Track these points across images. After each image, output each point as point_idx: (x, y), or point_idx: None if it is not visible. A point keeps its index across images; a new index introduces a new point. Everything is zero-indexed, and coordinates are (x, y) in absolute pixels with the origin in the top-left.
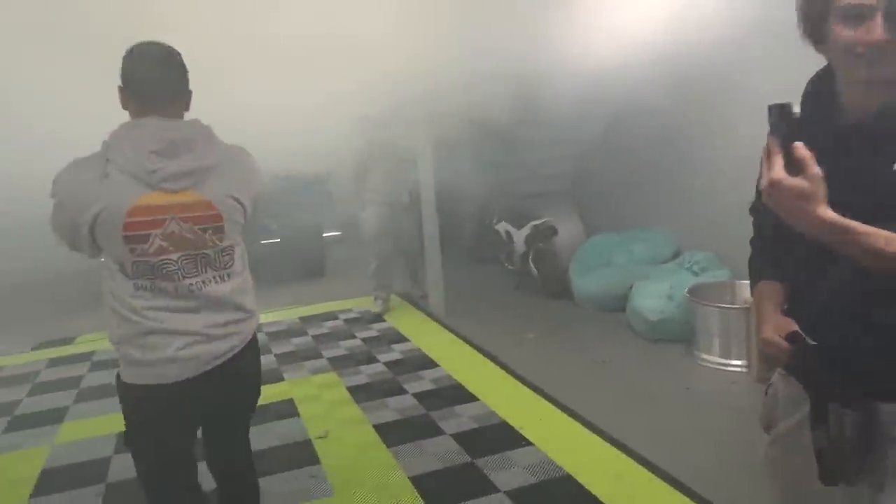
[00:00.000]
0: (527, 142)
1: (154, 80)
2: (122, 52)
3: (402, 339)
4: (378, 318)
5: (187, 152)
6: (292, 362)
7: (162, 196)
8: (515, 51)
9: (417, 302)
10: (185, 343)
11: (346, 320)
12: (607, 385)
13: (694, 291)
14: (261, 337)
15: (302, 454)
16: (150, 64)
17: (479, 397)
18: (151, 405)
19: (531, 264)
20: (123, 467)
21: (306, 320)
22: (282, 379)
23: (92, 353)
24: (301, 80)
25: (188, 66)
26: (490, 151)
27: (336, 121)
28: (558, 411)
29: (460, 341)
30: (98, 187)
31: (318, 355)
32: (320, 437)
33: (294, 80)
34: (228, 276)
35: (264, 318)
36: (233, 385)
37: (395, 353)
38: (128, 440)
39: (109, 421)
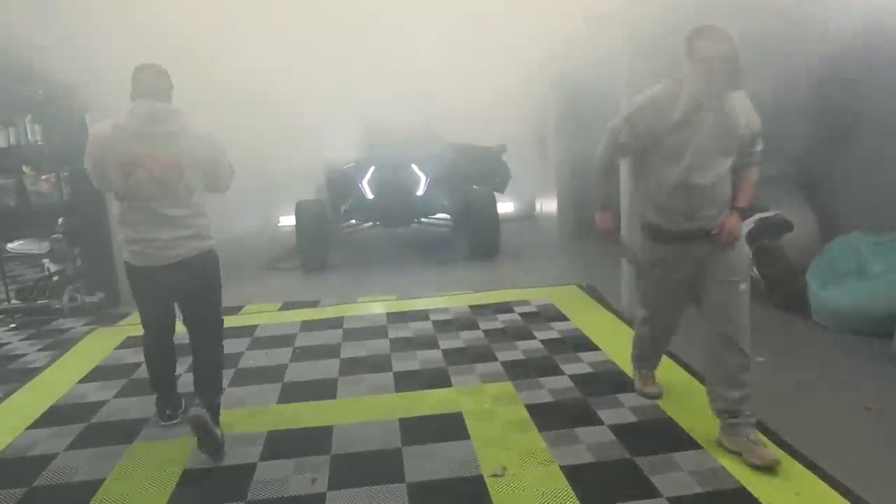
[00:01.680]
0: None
1: (144, 79)
2: None
3: (590, 345)
4: (560, 316)
5: (163, 121)
6: (461, 363)
7: (147, 147)
8: None
9: (604, 298)
10: (148, 246)
11: (522, 315)
12: (881, 443)
13: None
14: (426, 326)
15: (473, 496)
16: (144, 73)
17: (702, 443)
18: (132, 276)
19: (752, 265)
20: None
21: (477, 311)
22: (449, 384)
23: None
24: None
25: None
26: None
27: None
28: (819, 481)
29: (665, 358)
30: (109, 141)
31: (491, 356)
32: (495, 476)
33: (485, 49)
34: (186, 205)
35: (430, 302)
36: (182, 278)
37: (584, 364)
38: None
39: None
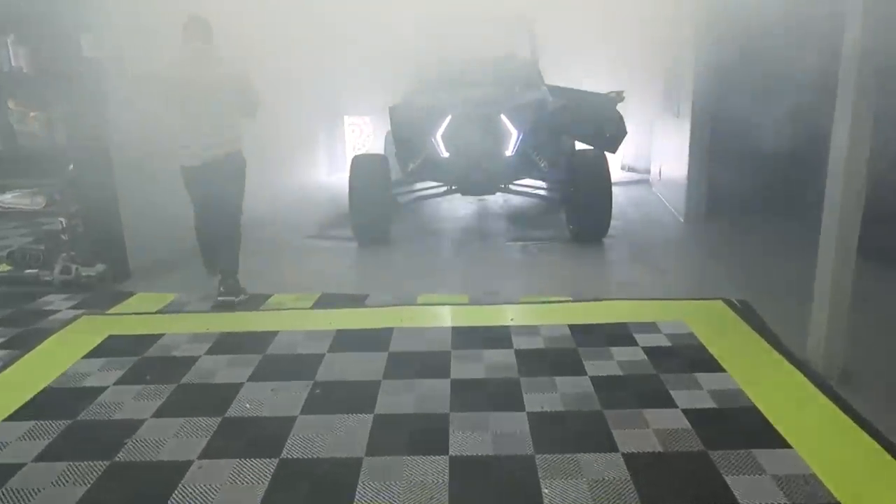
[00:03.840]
0: None
1: (191, 29)
2: None
3: (773, 437)
4: (709, 361)
5: (203, 59)
6: (559, 448)
7: (193, 74)
8: None
9: (771, 332)
10: (191, 147)
11: (648, 351)
12: None
13: None
14: (506, 358)
15: None
16: (192, 23)
17: None
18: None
19: None
20: None
21: (581, 335)
22: (538, 501)
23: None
24: None
25: None
26: None
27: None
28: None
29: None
30: (168, 74)
31: (607, 441)
32: None
33: None
34: (219, 120)
35: (515, 313)
36: (210, 176)
37: (770, 483)
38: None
39: None
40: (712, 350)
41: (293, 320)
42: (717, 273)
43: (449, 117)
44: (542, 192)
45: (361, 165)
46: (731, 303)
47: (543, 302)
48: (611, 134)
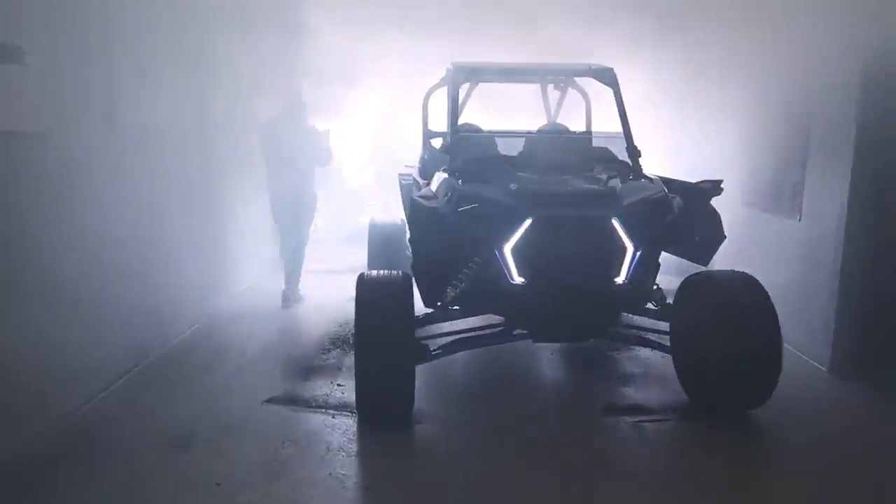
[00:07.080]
0: None
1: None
2: None
3: None
4: None
5: (290, 120)
6: None
7: (286, 134)
8: None
9: None
10: (278, 186)
11: None
12: None
13: None
14: None
15: None
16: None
17: None
18: (273, 202)
19: None
20: None
21: None
22: None
23: None
24: None
25: None
26: None
27: None
28: None
29: None
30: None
31: None
32: None
33: None
34: (300, 166)
35: None
36: (291, 208)
37: None
38: None
39: None
40: None
41: None
42: None
43: (528, 221)
44: (648, 336)
45: (372, 295)
46: None
47: None
48: (702, 238)
